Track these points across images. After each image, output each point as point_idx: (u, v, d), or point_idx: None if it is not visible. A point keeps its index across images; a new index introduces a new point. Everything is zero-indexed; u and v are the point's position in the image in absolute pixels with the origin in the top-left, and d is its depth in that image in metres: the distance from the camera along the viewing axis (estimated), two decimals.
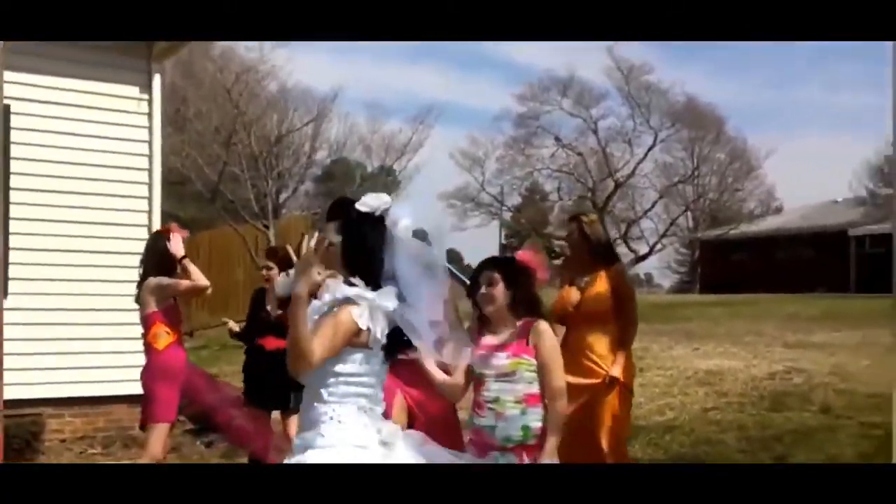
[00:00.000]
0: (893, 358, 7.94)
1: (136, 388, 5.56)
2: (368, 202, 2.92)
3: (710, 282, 36.46)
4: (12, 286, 7.40)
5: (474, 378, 3.62)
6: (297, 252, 5.99)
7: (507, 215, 29.64)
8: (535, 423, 3.52)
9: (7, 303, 7.25)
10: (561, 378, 3.59)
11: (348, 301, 2.80)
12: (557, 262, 5.20)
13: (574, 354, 4.53)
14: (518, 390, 3.52)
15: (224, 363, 11.45)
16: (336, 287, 2.89)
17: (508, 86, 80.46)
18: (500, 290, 3.61)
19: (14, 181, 7.43)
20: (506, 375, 3.54)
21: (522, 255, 3.90)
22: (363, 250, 2.86)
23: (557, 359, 3.61)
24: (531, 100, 25.52)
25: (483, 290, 3.63)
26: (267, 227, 20.42)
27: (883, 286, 23.97)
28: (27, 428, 7.43)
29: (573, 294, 4.73)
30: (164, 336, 5.14)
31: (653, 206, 24.22)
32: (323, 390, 2.84)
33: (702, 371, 8.93)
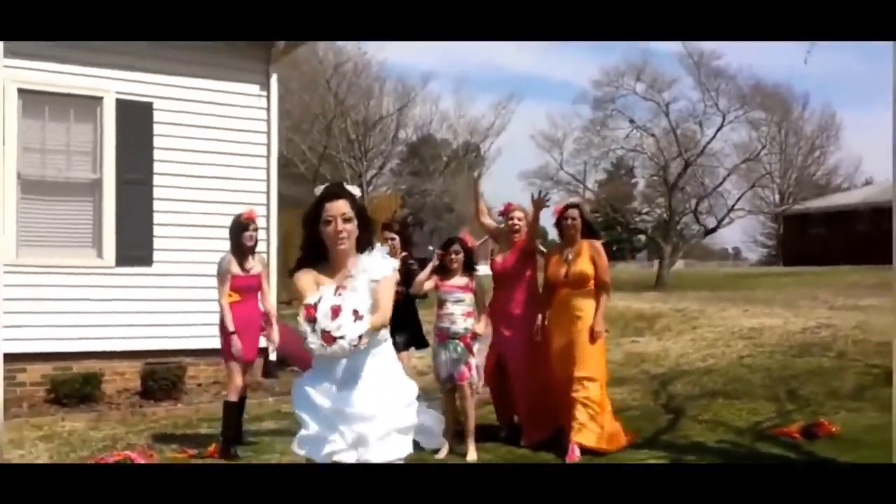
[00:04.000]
0: None
1: (261, 342, 6.57)
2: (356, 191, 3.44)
3: (792, 255, 36.12)
4: (157, 256, 8.68)
5: (438, 300, 6.10)
6: (390, 223, 6.95)
7: (587, 193, 30.15)
8: (469, 326, 5.98)
9: (152, 269, 8.63)
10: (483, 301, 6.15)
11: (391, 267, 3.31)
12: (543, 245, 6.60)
13: (563, 311, 6.00)
14: (463, 308, 6.03)
15: None
16: (368, 261, 3.20)
17: (588, 63, 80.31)
18: (459, 258, 6.07)
19: (157, 167, 8.69)
20: (457, 301, 6.04)
21: (465, 237, 6.37)
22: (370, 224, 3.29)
23: (481, 294, 6.16)
24: (607, 85, 26.10)
25: (451, 257, 6.08)
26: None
27: None
28: (173, 372, 8.28)
29: (561, 266, 6.02)
30: (229, 298, 6.15)
31: (721, 182, 24.42)
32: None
33: (746, 328, 9.72)
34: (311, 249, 3.22)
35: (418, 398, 3.27)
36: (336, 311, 2.90)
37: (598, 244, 6.16)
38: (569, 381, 5.85)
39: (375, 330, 3.06)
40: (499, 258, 6.43)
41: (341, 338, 2.89)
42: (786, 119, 28.52)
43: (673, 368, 8.41)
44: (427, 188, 27.19)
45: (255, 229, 6.40)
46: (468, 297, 6.08)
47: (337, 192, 3.20)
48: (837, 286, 15.06)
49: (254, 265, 6.32)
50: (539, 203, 6.09)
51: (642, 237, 33.58)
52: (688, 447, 5.82)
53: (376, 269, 3.18)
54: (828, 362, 7.66)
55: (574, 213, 6.11)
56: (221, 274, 6.19)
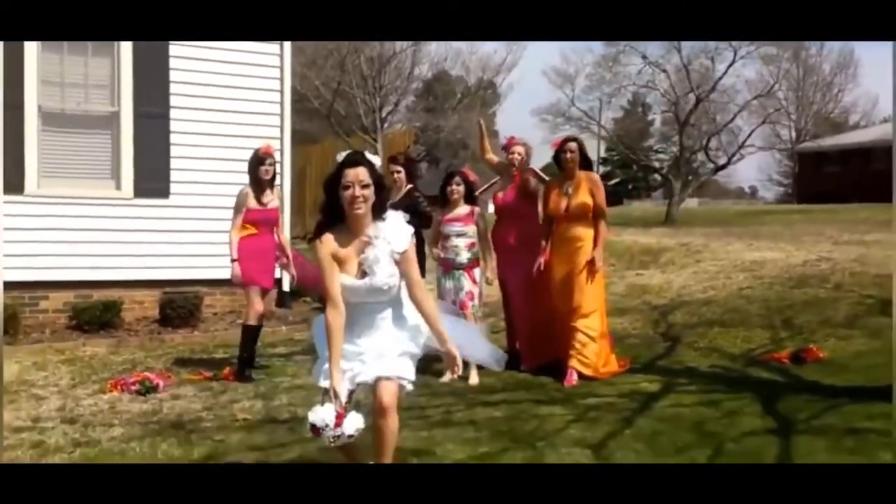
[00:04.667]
0: None
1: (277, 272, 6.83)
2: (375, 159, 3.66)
3: (807, 193, 35.87)
4: (174, 188, 8.87)
5: (443, 233, 6.33)
6: (396, 157, 7.05)
7: (601, 131, 29.89)
8: (472, 256, 6.24)
9: (169, 201, 8.80)
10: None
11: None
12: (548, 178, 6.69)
13: (564, 243, 6.17)
14: (467, 240, 6.27)
15: None
16: (387, 230, 3.45)
17: None
18: (460, 189, 6.31)
19: (173, 101, 8.79)
20: (460, 234, 6.28)
21: (467, 172, 6.60)
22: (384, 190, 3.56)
23: (483, 225, 6.39)
24: None
25: (452, 187, 6.32)
26: (375, 139, 21.87)
27: None
28: (190, 300, 8.53)
29: (562, 200, 6.15)
30: (244, 230, 6.36)
31: (732, 119, 24.07)
32: None
33: (748, 261, 9.84)
34: (330, 213, 3.45)
35: None
36: (339, 421, 3.27)
37: (596, 176, 6.28)
38: (569, 311, 6.03)
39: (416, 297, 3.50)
40: (500, 193, 6.61)
41: (350, 436, 3.30)
42: (798, 55, 27.83)
43: (674, 299, 8.59)
44: (440, 124, 27.08)
45: (273, 163, 6.51)
46: (470, 228, 6.26)
47: (357, 159, 3.44)
48: (845, 222, 15.07)
49: (271, 199, 6.48)
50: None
51: (657, 176, 33.27)
52: (681, 371, 6.04)
53: (398, 240, 3.45)
54: (824, 293, 7.80)
55: (573, 146, 6.21)
56: (238, 206, 6.36)
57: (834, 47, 48.32)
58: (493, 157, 6.91)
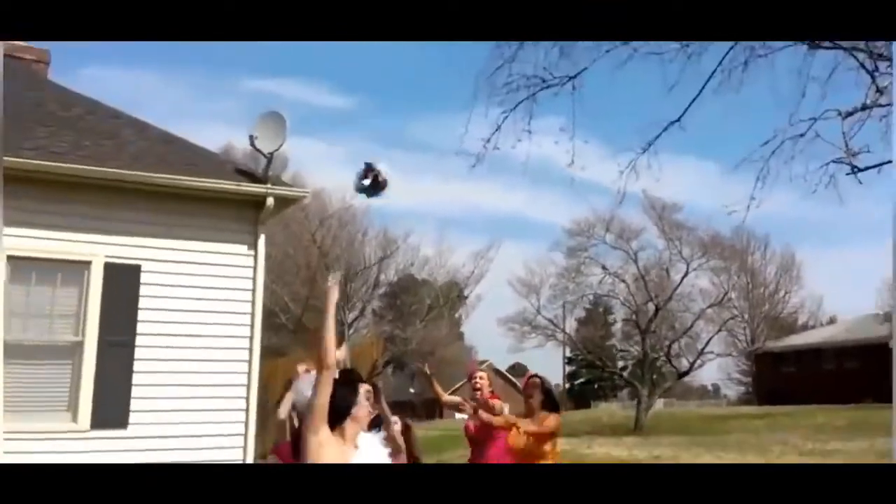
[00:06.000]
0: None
1: None
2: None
3: (765, 392, 36.01)
4: (133, 417, 8.29)
5: None
6: (370, 375, 7.02)
7: (565, 336, 30.35)
8: None
9: (127, 432, 8.38)
10: None
11: None
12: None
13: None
14: None
15: None
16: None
17: (564, 206, 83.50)
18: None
19: (140, 328, 8.61)
20: None
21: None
22: None
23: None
24: (579, 235, 27.14)
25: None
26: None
27: None
28: None
29: (521, 438, 5.92)
30: None
31: (690, 327, 24.90)
32: None
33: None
34: None
35: None
36: None
37: (554, 423, 5.96)
38: None
39: None
40: (470, 423, 6.49)
41: None
42: (744, 267, 29.48)
43: None
44: (408, 336, 27.34)
45: None
46: None
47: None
48: (806, 428, 14.98)
49: None
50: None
51: (624, 374, 33.72)
52: None
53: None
54: None
55: (535, 384, 6.08)
56: None
57: (776, 251, 50.78)
58: (448, 398, 6.97)
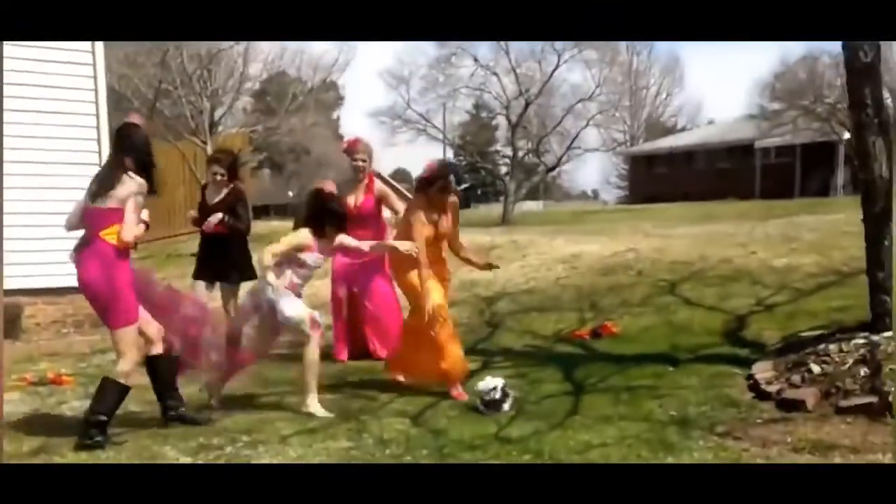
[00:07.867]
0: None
1: None
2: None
3: (639, 194, 38.79)
4: None
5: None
6: (218, 157, 7.05)
7: (437, 132, 30.87)
8: None
9: None
10: None
11: None
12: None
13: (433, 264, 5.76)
14: None
15: (171, 268, 13.32)
16: None
17: None
18: None
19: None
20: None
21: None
22: None
23: None
24: None
25: None
26: (205, 142, 21.79)
27: (785, 193, 26.19)
28: (12, 311, 8.40)
29: (429, 229, 5.79)
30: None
31: (559, 122, 25.99)
32: None
33: (568, 254, 10.98)
34: None
35: None
36: None
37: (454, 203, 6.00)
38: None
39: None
40: (350, 199, 6.57)
41: None
42: (616, 59, 30.15)
43: (499, 291, 9.51)
44: (274, 126, 27.12)
45: None
46: None
47: None
48: (660, 219, 16.76)
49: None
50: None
51: (505, 180, 35.23)
52: (498, 352, 6.94)
53: None
54: (626, 279, 9.02)
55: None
56: None
57: (661, 52, 52.50)
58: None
